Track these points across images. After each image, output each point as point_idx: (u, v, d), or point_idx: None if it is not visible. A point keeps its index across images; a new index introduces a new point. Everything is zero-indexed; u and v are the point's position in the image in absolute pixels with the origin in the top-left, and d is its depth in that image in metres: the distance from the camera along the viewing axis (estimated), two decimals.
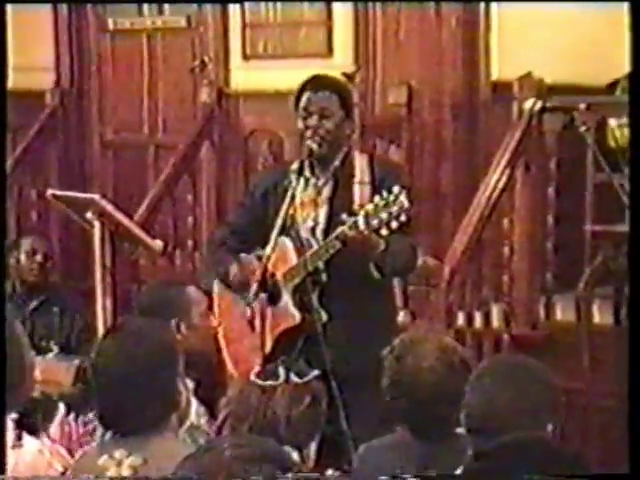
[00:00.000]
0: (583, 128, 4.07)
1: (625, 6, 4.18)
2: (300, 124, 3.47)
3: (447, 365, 2.59)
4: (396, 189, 3.10)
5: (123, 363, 2.38)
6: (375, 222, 3.09)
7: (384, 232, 3.11)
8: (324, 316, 3.38)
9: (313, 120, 3.44)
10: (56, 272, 5.87)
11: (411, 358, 2.64)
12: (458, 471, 2.19)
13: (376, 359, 3.27)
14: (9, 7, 4.53)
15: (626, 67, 5.11)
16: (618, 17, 5.16)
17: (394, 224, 3.09)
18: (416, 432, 2.64)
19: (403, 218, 3.08)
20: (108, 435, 2.42)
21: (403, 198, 3.08)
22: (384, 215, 3.08)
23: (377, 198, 3.11)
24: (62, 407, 2.84)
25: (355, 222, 3.13)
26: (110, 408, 2.39)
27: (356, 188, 3.42)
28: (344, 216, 3.18)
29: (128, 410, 2.36)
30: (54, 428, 2.74)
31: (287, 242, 3.41)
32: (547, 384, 2.36)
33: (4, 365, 2.37)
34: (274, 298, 3.39)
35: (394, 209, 3.07)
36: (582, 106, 4.27)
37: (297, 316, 3.39)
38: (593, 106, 4.33)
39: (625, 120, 4.60)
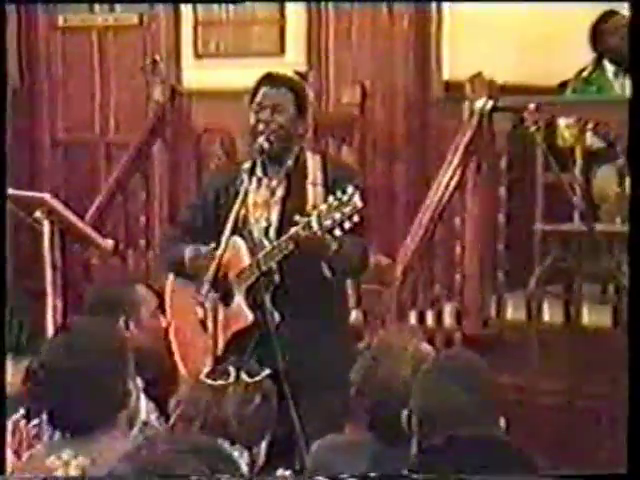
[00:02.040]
0: (533, 128, 4.11)
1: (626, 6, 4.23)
2: (252, 118, 3.47)
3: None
4: (350, 189, 3.10)
5: (71, 362, 2.37)
6: (328, 222, 3.09)
7: (337, 233, 3.11)
8: (277, 316, 3.38)
9: (265, 114, 3.44)
10: (5, 272, 5.80)
11: (388, 362, 2.62)
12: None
13: (328, 359, 3.29)
14: None
15: (577, 67, 5.19)
16: (568, 17, 5.22)
17: (347, 224, 3.09)
18: (375, 431, 2.63)
19: (356, 218, 3.09)
20: (56, 435, 2.40)
21: (356, 198, 3.08)
22: (337, 215, 3.09)
23: (330, 198, 3.11)
24: (21, 411, 2.79)
25: (308, 222, 3.13)
26: (59, 407, 2.38)
27: (309, 189, 3.42)
28: (297, 217, 3.18)
29: (76, 409, 2.34)
30: (10, 432, 2.70)
31: (240, 242, 3.40)
32: (491, 380, 2.37)
33: (4, 365, 2.35)
34: (226, 298, 3.38)
35: (347, 209, 3.08)
36: (532, 106, 4.31)
37: (250, 316, 3.38)
38: (543, 106, 4.37)
39: (573, 120, 4.66)
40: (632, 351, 2.49)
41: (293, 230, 3.20)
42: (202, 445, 1.70)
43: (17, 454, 2.50)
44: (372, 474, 2.26)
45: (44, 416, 2.51)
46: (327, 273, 3.34)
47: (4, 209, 2.91)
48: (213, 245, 3.34)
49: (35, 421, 2.62)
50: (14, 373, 4.24)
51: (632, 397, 2.42)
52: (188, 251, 3.44)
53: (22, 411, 2.77)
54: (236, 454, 2.36)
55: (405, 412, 2.34)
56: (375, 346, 2.70)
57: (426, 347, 2.77)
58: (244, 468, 2.34)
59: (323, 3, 5.51)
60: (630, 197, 3.04)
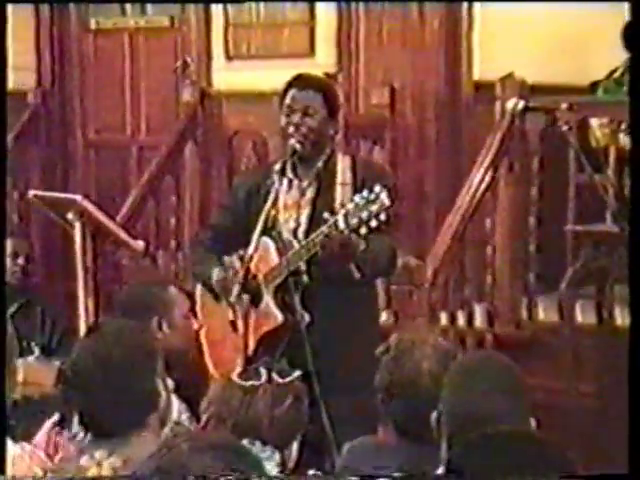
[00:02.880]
0: (565, 128, 4.08)
1: (625, 6, 4.19)
2: (283, 121, 3.46)
3: (446, 368, 2.55)
4: (377, 188, 3.09)
5: (101, 364, 2.37)
6: (355, 221, 3.08)
7: (363, 231, 3.10)
8: (306, 317, 3.37)
9: (296, 117, 3.43)
10: (38, 273, 5.84)
11: (410, 359, 2.61)
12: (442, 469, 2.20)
13: (358, 360, 3.28)
14: None
15: (608, 67, 5.15)
16: (601, 17, 5.18)
17: (374, 223, 3.07)
18: (404, 433, 2.62)
19: (383, 217, 3.07)
20: (89, 436, 2.41)
21: (384, 196, 3.06)
22: (364, 214, 3.07)
23: (357, 197, 3.10)
24: (55, 417, 2.80)
25: (335, 221, 3.12)
26: (90, 409, 2.38)
27: (338, 189, 3.41)
28: (325, 215, 3.17)
29: (107, 411, 2.35)
30: (40, 436, 2.71)
31: (269, 242, 3.39)
32: (523, 382, 2.36)
33: (4, 365, 2.36)
34: (256, 299, 3.37)
35: (374, 208, 3.06)
36: (564, 106, 4.29)
37: (279, 317, 3.38)
38: (575, 106, 4.34)
39: (606, 120, 4.62)
40: (632, 350, 2.47)
41: (321, 229, 3.20)
42: (220, 442, 1.69)
43: (50, 457, 2.51)
44: (402, 474, 2.24)
45: (76, 417, 2.52)
46: (355, 273, 3.33)
47: (4, 209, 2.91)
48: (239, 254, 3.33)
49: (71, 434, 2.62)
50: (46, 374, 4.28)
51: (632, 397, 2.40)
52: (215, 274, 3.42)
53: (56, 414, 2.78)
54: (266, 453, 2.35)
55: (435, 414, 2.32)
56: (395, 346, 2.68)
57: (447, 342, 2.76)
58: (268, 466, 2.34)
59: (353, 4, 5.51)
60: (630, 196, 3.01)
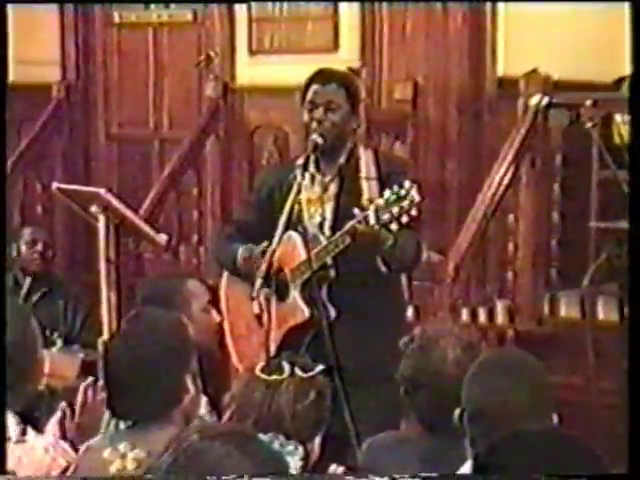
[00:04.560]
0: (589, 124, 4.07)
1: (626, 5, 4.17)
2: (306, 116, 3.46)
3: (472, 359, 2.55)
4: (407, 184, 3.08)
5: (135, 352, 2.40)
6: (386, 216, 3.07)
7: (394, 227, 3.09)
8: (332, 312, 3.37)
9: (319, 112, 3.42)
10: (60, 265, 5.87)
11: (435, 348, 2.61)
12: (467, 465, 2.20)
13: (384, 355, 3.27)
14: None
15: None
16: (624, 14, 5.14)
17: (404, 218, 3.07)
18: (429, 426, 2.61)
19: (414, 212, 3.07)
20: (112, 424, 2.43)
21: (414, 192, 3.06)
22: (395, 209, 3.06)
23: (388, 192, 3.09)
24: (63, 404, 2.83)
25: (366, 217, 3.11)
26: (119, 394, 2.41)
27: (363, 183, 3.39)
28: (355, 210, 3.16)
29: (135, 399, 2.37)
30: (51, 425, 2.73)
31: (295, 237, 3.38)
32: (544, 378, 2.36)
33: (4, 365, 2.38)
34: (281, 294, 3.38)
35: (405, 203, 3.06)
36: (588, 102, 4.27)
37: (306, 312, 3.37)
38: (599, 102, 4.33)
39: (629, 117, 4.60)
40: (632, 349, 2.46)
41: (350, 224, 3.19)
42: (229, 429, 1.70)
43: (73, 446, 2.53)
44: (430, 474, 2.25)
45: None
46: (382, 268, 3.33)
47: (4, 208, 2.93)
48: (266, 243, 3.33)
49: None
50: (69, 366, 4.30)
51: (632, 396, 2.39)
52: (241, 250, 3.43)
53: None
54: (290, 447, 2.36)
55: (457, 411, 2.32)
56: (420, 336, 2.68)
57: (474, 334, 2.76)
58: (291, 461, 2.34)
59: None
60: (630, 196, 2.99)
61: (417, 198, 3.06)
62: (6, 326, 2.44)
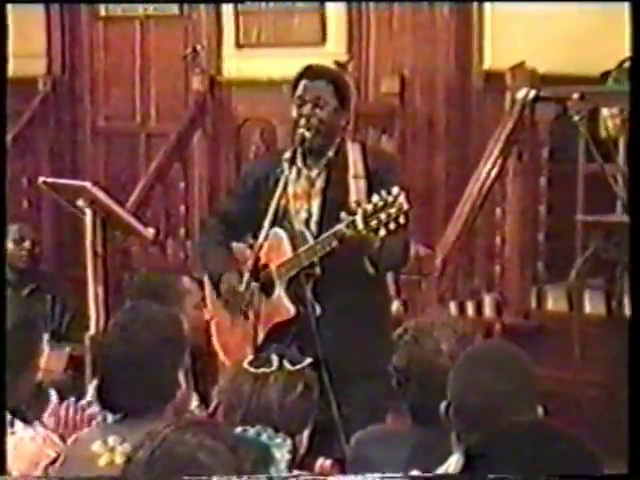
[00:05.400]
0: (576, 118, 4.07)
1: (625, 4, 4.18)
2: (294, 112, 3.45)
3: (465, 350, 2.53)
4: (395, 190, 3.06)
5: (129, 344, 2.41)
6: (374, 223, 3.05)
7: (382, 233, 3.08)
8: (318, 309, 3.36)
9: (307, 108, 3.41)
10: (47, 260, 5.86)
11: (430, 340, 2.61)
12: (452, 458, 2.20)
13: (369, 350, 3.27)
14: None
15: (618, 57, 5.13)
16: (611, 7, 5.16)
17: (392, 225, 3.05)
18: (418, 417, 2.61)
19: (402, 220, 3.05)
20: (100, 418, 2.43)
21: (402, 199, 3.04)
22: (383, 216, 3.04)
23: (376, 198, 3.06)
24: (54, 394, 2.84)
25: (353, 222, 3.09)
26: (111, 386, 2.41)
27: (351, 182, 3.38)
28: (342, 214, 3.13)
29: (128, 392, 2.38)
30: (48, 416, 2.74)
31: (282, 234, 3.38)
32: (531, 371, 2.36)
33: (4, 365, 2.38)
34: (267, 289, 3.37)
35: (393, 210, 3.04)
36: (575, 96, 4.27)
37: (292, 309, 3.37)
38: (586, 96, 4.33)
39: (617, 110, 4.61)
40: (632, 348, 2.47)
41: (337, 228, 3.17)
42: (199, 420, 1.70)
43: (62, 438, 2.53)
44: (419, 474, 2.25)
45: (89, 399, 2.53)
46: (369, 269, 3.32)
47: (4, 208, 2.93)
48: (248, 253, 3.33)
49: (82, 404, 2.64)
50: (56, 360, 4.29)
51: (632, 397, 2.40)
52: (224, 282, 3.42)
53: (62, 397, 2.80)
54: (278, 440, 2.36)
55: (444, 403, 2.32)
56: (414, 327, 2.68)
57: (467, 326, 2.75)
58: (278, 454, 2.34)
59: None
60: (629, 195, 3.00)
61: (405, 206, 3.04)
62: (6, 320, 2.45)
